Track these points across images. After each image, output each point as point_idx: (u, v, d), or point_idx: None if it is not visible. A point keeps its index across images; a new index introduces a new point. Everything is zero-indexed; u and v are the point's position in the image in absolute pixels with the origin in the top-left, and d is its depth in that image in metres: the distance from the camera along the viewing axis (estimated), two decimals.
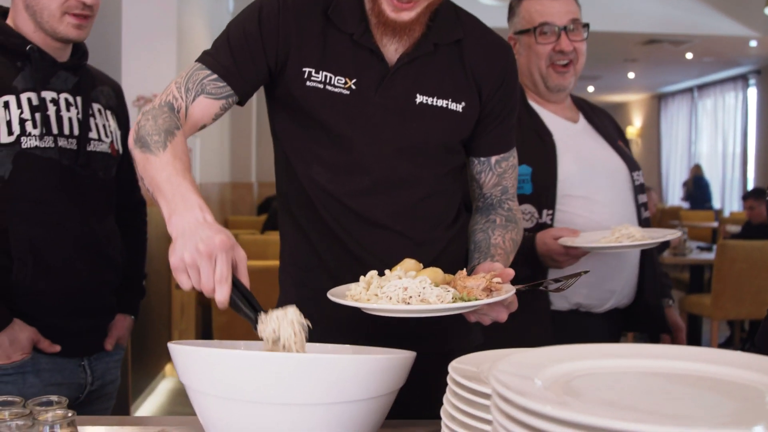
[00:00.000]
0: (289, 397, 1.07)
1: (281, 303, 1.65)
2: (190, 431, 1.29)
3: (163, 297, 5.06)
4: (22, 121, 1.76)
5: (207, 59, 1.51)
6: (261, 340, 1.19)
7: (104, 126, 1.94)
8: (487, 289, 1.31)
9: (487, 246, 1.58)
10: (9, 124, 1.75)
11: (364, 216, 1.56)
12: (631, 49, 11.51)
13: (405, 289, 1.27)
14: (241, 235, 5.59)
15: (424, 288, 1.27)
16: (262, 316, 1.19)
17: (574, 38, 2.09)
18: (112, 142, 1.96)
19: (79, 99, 1.87)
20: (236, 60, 1.51)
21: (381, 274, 1.37)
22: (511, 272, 1.39)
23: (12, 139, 1.75)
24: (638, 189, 2.15)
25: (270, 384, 1.06)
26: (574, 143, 2.10)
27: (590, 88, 15.76)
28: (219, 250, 1.18)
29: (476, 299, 1.29)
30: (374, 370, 1.12)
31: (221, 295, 1.18)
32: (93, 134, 1.89)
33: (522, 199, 1.98)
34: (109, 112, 1.97)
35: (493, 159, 1.67)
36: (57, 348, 1.83)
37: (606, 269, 2.05)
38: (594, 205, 2.05)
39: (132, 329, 2.13)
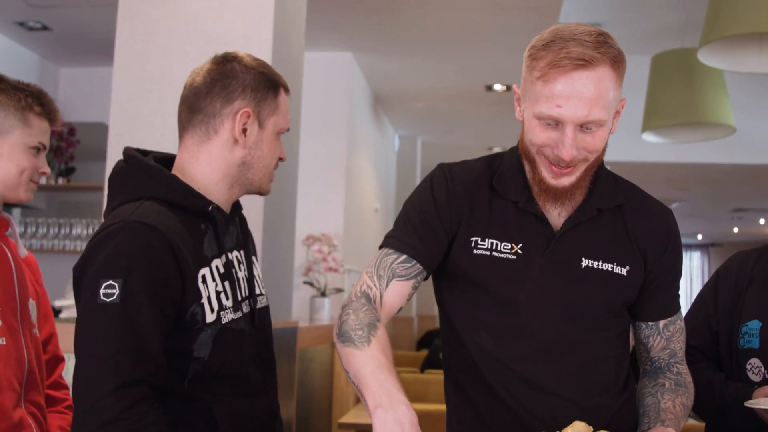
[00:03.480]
0: None
1: None
2: None
3: None
4: (218, 294, 1.60)
5: (392, 242, 1.62)
6: None
7: (258, 276, 1.81)
8: None
9: (657, 411, 1.59)
10: (209, 300, 1.58)
11: (531, 381, 1.57)
12: None
13: None
14: (401, 374, 5.55)
15: None
16: None
17: None
18: (264, 292, 1.85)
19: (243, 253, 1.74)
20: (420, 237, 1.61)
21: None
22: None
23: (214, 317, 1.59)
24: None
25: None
26: None
27: (761, 221, 15.03)
28: None
29: None
30: None
31: None
32: (257, 290, 1.76)
33: (750, 353, 2.01)
34: (254, 258, 1.84)
35: (661, 323, 1.70)
36: None
37: None
38: None
39: None
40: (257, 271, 1.81)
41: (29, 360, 1.81)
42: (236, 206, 1.78)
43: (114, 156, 2.96)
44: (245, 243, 1.78)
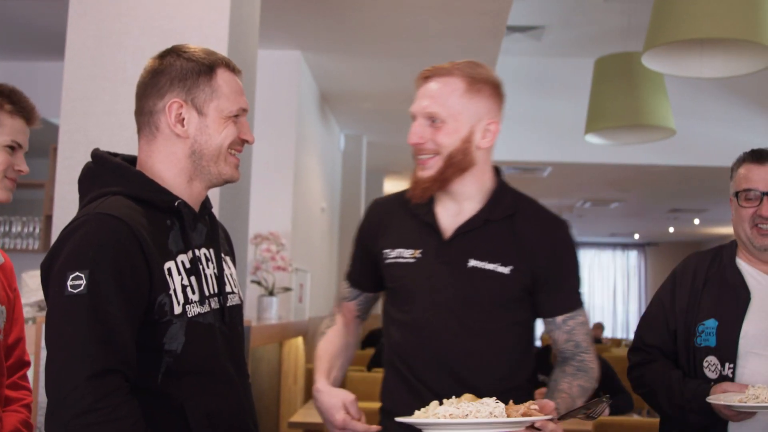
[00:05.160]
0: None
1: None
2: None
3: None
4: (183, 288, 1.61)
5: (346, 272, 2.13)
6: None
7: (231, 275, 1.81)
8: (525, 414, 1.60)
9: (553, 391, 1.88)
10: (175, 293, 1.59)
11: (428, 363, 1.90)
12: None
13: (459, 410, 1.60)
14: (349, 372, 5.57)
15: (470, 412, 1.58)
16: None
17: None
18: (238, 291, 1.85)
19: (212, 251, 1.75)
20: (354, 267, 2.10)
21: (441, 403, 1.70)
22: (550, 405, 1.69)
23: (180, 309, 1.59)
24: None
25: None
26: None
27: (696, 221, 15.44)
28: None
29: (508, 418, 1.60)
30: None
31: None
32: (228, 288, 1.76)
33: (707, 351, 2.14)
34: (228, 258, 1.85)
35: (559, 319, 1.96)
36: None
37: None
38: None
39: None
40: (230, 270, 1.82)
41: None
42: (206, 205, 1.78)
43: (65, 155, 2.91)
44: (216, 241, 1.78)
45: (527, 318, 1.96)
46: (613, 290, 19.49)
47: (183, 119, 1.67)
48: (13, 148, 1.84)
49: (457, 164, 1.88)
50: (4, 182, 1.85)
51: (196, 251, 1.68)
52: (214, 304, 1.70)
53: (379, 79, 6.87)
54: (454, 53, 6.00)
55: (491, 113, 1.91)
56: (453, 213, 1.94)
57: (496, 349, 1.91)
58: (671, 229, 16.92)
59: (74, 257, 1.49)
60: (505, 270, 1.89)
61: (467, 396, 1.70)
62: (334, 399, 1.84)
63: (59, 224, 2.83)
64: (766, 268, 2.20)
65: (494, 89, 1.92)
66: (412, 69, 6.56)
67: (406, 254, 1.94)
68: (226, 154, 1.71)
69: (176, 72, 1.67)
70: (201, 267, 1.68)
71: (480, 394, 1.75)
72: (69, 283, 1.46)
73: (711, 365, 2.14)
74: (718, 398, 2.00)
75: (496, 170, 2.00)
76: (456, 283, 1.89)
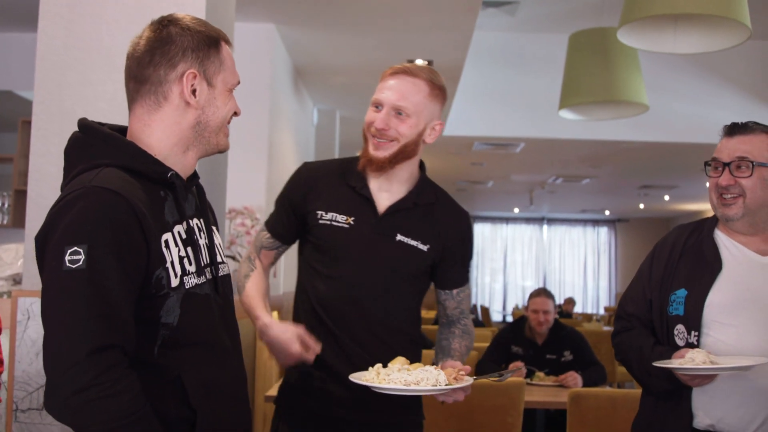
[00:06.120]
0: None
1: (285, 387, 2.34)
2: None
3: None
4: (181, 259, 1.61)
5: (267, 223, 2.39)
6: None
7: (220, 245, 1.82)
8: (458, 380, 1.96)
9: (448, 350, 2.32)
10: (173, 265, 1.59)
11: (349, 316, 2.22)
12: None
13: (410, 377, 1.93)
14: None
15: (421, 379, 1.91)
16: None
17: (738, 174, 2.21)
18: (226, 261, 1.86)
19: (202, 221, 1.76)
20: (279, 220, 2.36)
21: (384, 366, 2.01)
22: (468, 368, 2.07)
23: (178, 282, 1.59)
24: None
25: None
26: (747, 274, 2.20)
27: (666, 197, 15.61)
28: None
29: (449, 384, 1.93)
30: None
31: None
32: (218, 257, 1.77)
33: (677, 319, 2.23)
34: (215, 228, 1.85)
35: (455, 291, 2.41)
36: None
37: (743, 394, 2.13)
38: (744, 335, 2.14)
39: None
40: (218, 239, 1.82)
41: None
42: (193, 175, 1.78)
43: (39, 125, 2.87)
44: (204, 212, 1.78)
45: (426, 288, 2.37)
46: (583, 266, 19.67)
47: (195, 90, 1.68)
48: None
49: (407, 153, 2.23)
50: None
51: (190, 221, 1.69)
52: (209, 274, 1.71)
53: (353, 54, 6.84)
54: (430, 28, 5.98)
55: (439, 115, 2.30)
56: (384, 191, 2.27)
57: (406, 310, 2.31)
58: (641, 206, 17.08)
59: (72, 231, 1.47)
60: (424, 248, 2.27)
61: (400, 359, 2.03)
62: (288, 333, 2.09)
63: (34, 196, 2.79)
64: (743, 239, 2.25)
65: (444, 96, 2.30)
66: (386, 44, 6.56)
67: (339, 219, 2.24)
68: (226, 127, 1.76)
69: (188, 43, 1.67)
70: (196, 237, 1.69)
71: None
72: (67, 257, 1.45)
73: (680, 333, 2.22)
74: (668, 362, 2.09)
75: (421, 163, 2.36)
76: (385, 252, 2.24)
